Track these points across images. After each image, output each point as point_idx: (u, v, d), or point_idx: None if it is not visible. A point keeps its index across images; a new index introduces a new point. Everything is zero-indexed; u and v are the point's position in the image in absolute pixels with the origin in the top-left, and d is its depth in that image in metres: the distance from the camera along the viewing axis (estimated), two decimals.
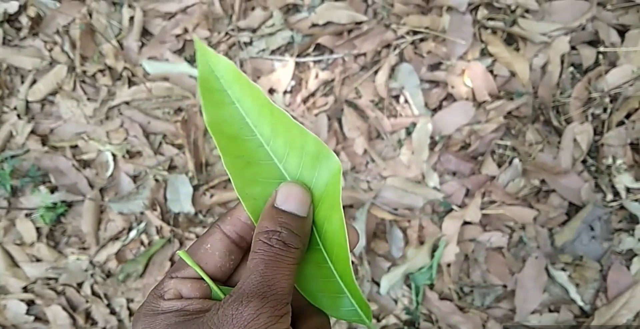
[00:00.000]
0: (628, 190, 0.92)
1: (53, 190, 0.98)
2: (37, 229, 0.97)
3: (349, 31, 1.00)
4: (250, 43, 1.02)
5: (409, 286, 0.93)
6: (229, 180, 1.01)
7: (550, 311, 0.91)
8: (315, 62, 1.00)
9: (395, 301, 0.92)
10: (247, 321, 0.20)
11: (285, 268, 0.22)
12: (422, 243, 0.93)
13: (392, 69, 0.99)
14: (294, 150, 0.25)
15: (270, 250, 0.23)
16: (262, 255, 0.23)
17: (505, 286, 0.91)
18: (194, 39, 0.25)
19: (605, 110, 0.95)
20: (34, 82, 1.03)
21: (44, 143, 1.00)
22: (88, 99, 1.02)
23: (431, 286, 0.92)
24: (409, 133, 0.97)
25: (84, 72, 1.03)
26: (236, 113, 0.25)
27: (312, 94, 0.99)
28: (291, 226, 0.23)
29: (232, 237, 0.26)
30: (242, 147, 0.24)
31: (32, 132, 1.01)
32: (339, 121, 0.99)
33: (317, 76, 0.99)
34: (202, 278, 0.24)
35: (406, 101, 0.98)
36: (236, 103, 0.25)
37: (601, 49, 0.96)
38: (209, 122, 0.24)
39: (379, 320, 0.91)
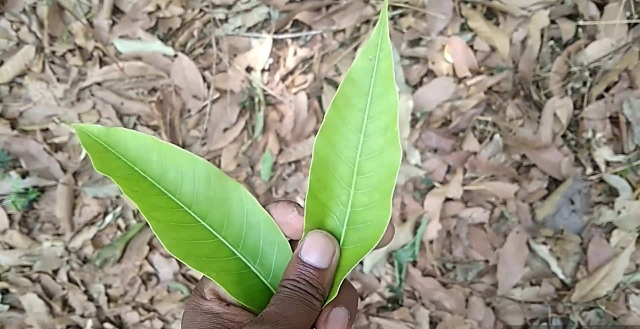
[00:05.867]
0: (607, 163, 0.93)
1: (24, 175, 0.95)
2: (9, 216, 0.94)
3: (327, 6, 0.97)
4: (226, 20, 0.99)
5: (392, 264, 0.92)
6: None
7: (532, 284, 0.91)
8: (293, 39, 0.98)
9: (379, 279, 0.92)
10: None
11: (301, 308, 0.24)
12: (404, 220, 0.93)
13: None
14: (186, 180, 0.26)
15: (291, 292, 0.24)
16: (282, 294, 0.24)
17: (487, 261, 0.91)
18: (74, 127, 0.26)
19: (584, 84, 0.94)
20: (0, 63, 0.99)
21: (13, 127, 0.96)
22: (58, 80, 0.98)
23: (414, 263, 0.92)
24: None
25: (53, 52, 0.99)
26: (123, 164, 0.26)
27: (291, 72, 0.97)
28: (310, 278, 0.25)
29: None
30: (136, 185, 0.26)
31: (1, 115, 0.97)
32: (319, 99, 0.97)
33: (295, 53, 0.97)
34: None
35: None
36: (121, 158, 0.26)
37: (580, 22, 0.95)
38: (98, 169, 0.25)
39: (362, 299, 0.91)
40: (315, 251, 0.25)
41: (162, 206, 0.25)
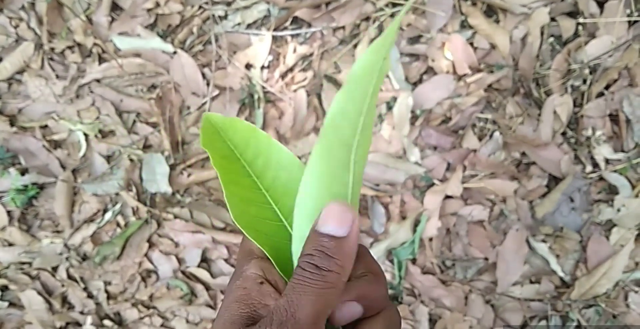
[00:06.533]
0: (607, 161, 0.93)
1: (23, 172, 0.95)
2: (8, 212, 0.94)
3: (327, 3, 0.97)
4: (225, 17, 0.98)
5: (391, 261, 0.92)
6: (207, 158, 0.98)
7: (532, 282, 0.91)
8: (292, 36, 0.98)
9: None
10: None
11: (312, 294, 0.22)
12: (404, 218, 0.93)
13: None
14: (271, 167, 0.29)
15: (302, 274, 0.22)
16: (295, 279, 0.22)
17: (486, 259, 0.91)
18: (205, 115, 0.30)
19: (584, 81, 0.94)
20: None
21: (12, 124, 0.96)
22: (57, 77, 0.98)
23: (413, 261, 0.92)
24: (389, 107, 0.95)
25: (52, 49, 0.99)
26: (226, 146, 0.30)
27: (291, 69, 0.97)
28: (326, 248, 0.23)
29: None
30: (229, 163, 0.29)
31: None
32: (319, 97, 0.96)
33: (295, 50, 0.97)
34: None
35: (386, 75, 0.96)
36: (227, 142, 0.30)
37: (580, 20, 0.95)
38: (203, 145, 0.29)
39: None
40: (331, 221, 0.23)
41: (244, 185, 0.28)
